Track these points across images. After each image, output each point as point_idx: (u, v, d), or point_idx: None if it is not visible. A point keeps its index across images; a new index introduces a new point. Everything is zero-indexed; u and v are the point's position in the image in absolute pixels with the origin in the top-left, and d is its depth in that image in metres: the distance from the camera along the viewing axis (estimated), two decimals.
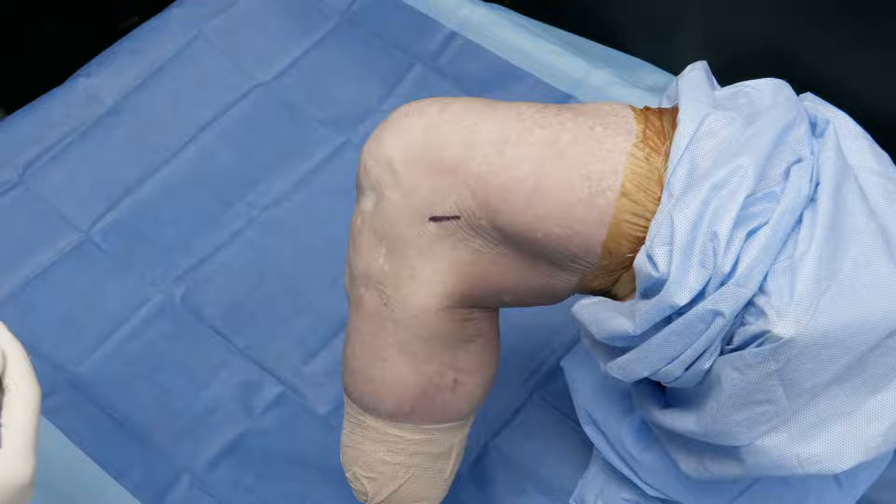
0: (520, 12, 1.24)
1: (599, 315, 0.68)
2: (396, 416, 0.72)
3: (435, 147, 0.65)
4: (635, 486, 0.86)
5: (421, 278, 0.67)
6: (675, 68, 1.15)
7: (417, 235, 0.66)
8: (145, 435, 0.95)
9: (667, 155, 0.64)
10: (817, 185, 0.64)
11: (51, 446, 0.93)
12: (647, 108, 0.68)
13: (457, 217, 0.66)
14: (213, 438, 0.95)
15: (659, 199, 0.64)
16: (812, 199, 0.64)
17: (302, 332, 1.01)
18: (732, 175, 0.61)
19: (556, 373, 0.97)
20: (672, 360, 0.64)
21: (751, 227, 0.61)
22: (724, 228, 0.60)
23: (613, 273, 0.67)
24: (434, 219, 0.66)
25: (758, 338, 0.61)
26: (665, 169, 0.64)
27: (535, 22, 1.23)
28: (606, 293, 0.70)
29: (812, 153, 0.65)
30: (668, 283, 0.61)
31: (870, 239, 0.62)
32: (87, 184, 1.10)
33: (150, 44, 1.20)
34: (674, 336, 0.63)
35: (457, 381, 0.72)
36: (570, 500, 0.90)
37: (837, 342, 0.60)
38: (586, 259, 0.66)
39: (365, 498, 0.77)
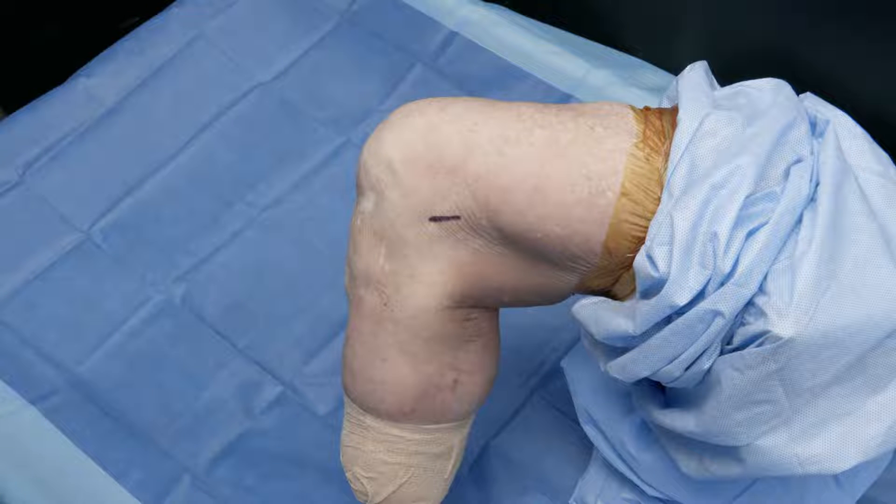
0: (520, 12, 1.24)
1: (599, 315, 0.68)
2: (397, 416, 0.72)
3: (435, 147, 0.65)
4: (635, 486, 0.86)
5: (421, 278, 0.67)
6: (675, 68, 1.15)
7: (417, 235, 0.66)
8: (145, 435, 0.95)
9: (667, 155, 0.64)
10: (817, 185, 0.64)
11: (51, 446, 0.93)
12: (647, 109, 0.68)
13: (457, 217, 0.66)
14: (213, 438, 0.95)
15: (659, 199, 0.64)
16: (812, 199, 0.64)
17: (302, 332, 1.01)
18: (732, 175, 0.61)
19: (556, 373, 0.97)
20: (672, 361, 0.64)
21: (751, 227, 0.61)
22: (724, 228, 0.60)
23: (613, 273, 0.67)
24: (434, 219, 0.66)
25: (758, 338, 0.61)
26: (665, 169, 0.64)
27: (535, 22, 1.23)
28: (606, 293, 0.70)
29: (812, 153, 0.65)
30: (668, 283, 0.61)
31: (870, 239, 0.62)
32: (87, 184, 1.10)
33: (150, 44, 1.20)
34: (674, 336, 0.63)
35: (457, 381, 0.72)
36: (570, 500, 0.90)
37: (837, 342, 0.60)
38: (586, 259, 0.66)
39: (365, 498, 0.77)
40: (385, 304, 0.68)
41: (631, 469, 0.84)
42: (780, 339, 0.60)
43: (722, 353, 0.64)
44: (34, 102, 1.16)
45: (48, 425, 0.95)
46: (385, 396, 0.71)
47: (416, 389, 0.71)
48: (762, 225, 0.61)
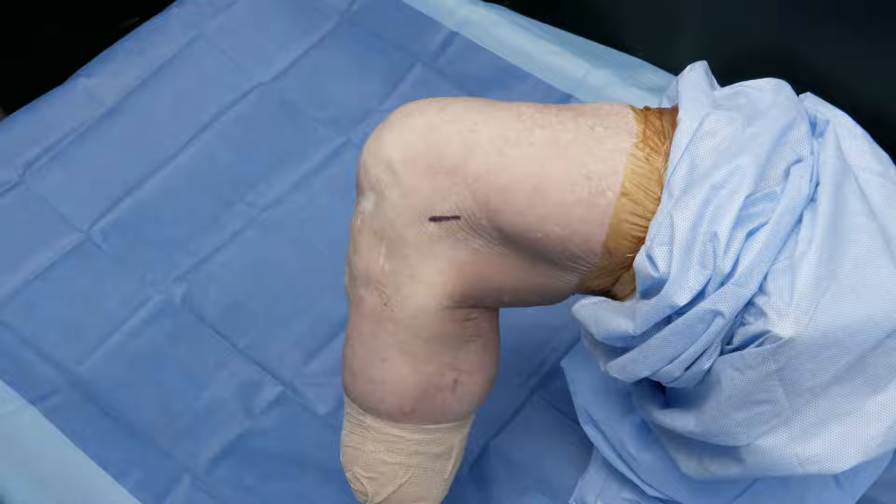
0: (520, 12, 1.24)
1: (599, 315, 0.68)
2: (397, 416, 0.72)
3: (435, 147, 0.65)
4: (635, 486, 0.86)
5: (421, 278, 0.67)
6: (675, 68, 1.15)
7: (417, 235, 0.66)
8: (145, 435, 0.95)
9: (667, 155, 0.64)
10: (817, 185, 0.64)
11: (51, 446, 0.93)
12: (647, 109, 0.68)
13: (457, 217, 0.66)
14: (213, 438, 0.95)
15: (659, 199, 0.64)
16: (812, 199, 0.64)
17: (302, 332, 1.01)
18: (732, 175, 0.61)
19: (556, 373, 0.97)
20: (672, 361, 0.64)
21: (751, 227, 0.61)
22: (724, 228, 0.60)
23: (613, 273, 0.67)
24: (434, 219, 0.66)
25: (758, 338, 0.61)
26: (665, 169, 0.64)
27: (535, 22, 1.23)
28: (606, 293, 0.70)
29: (812, 153, 0.65)
30: (668, 283, 0.61)
31: (870, 239, 0.62)
32: (87, 184, 1.10)
33: (150, 44, 1.20)
34: (674, 336, 0.63)
35: (457, 381, 0.72)
36: (570, 500, 0.90)
37: (837, 342, 0.60)
38: (586, 259, 0.66)
39: (365, 498, 0.77)
40: (385, 304, 0.68)
41: (631, 469, 0.84)
42: (780, 339, 0.60)
43: (722, 353, 0.64)
44: (34, 102, 1.16)
45: (48, 425, 0.95)
46: (385, 396, 0.71)
47: (416, 389, 0.71)
48: (762, 225, 0.61)
